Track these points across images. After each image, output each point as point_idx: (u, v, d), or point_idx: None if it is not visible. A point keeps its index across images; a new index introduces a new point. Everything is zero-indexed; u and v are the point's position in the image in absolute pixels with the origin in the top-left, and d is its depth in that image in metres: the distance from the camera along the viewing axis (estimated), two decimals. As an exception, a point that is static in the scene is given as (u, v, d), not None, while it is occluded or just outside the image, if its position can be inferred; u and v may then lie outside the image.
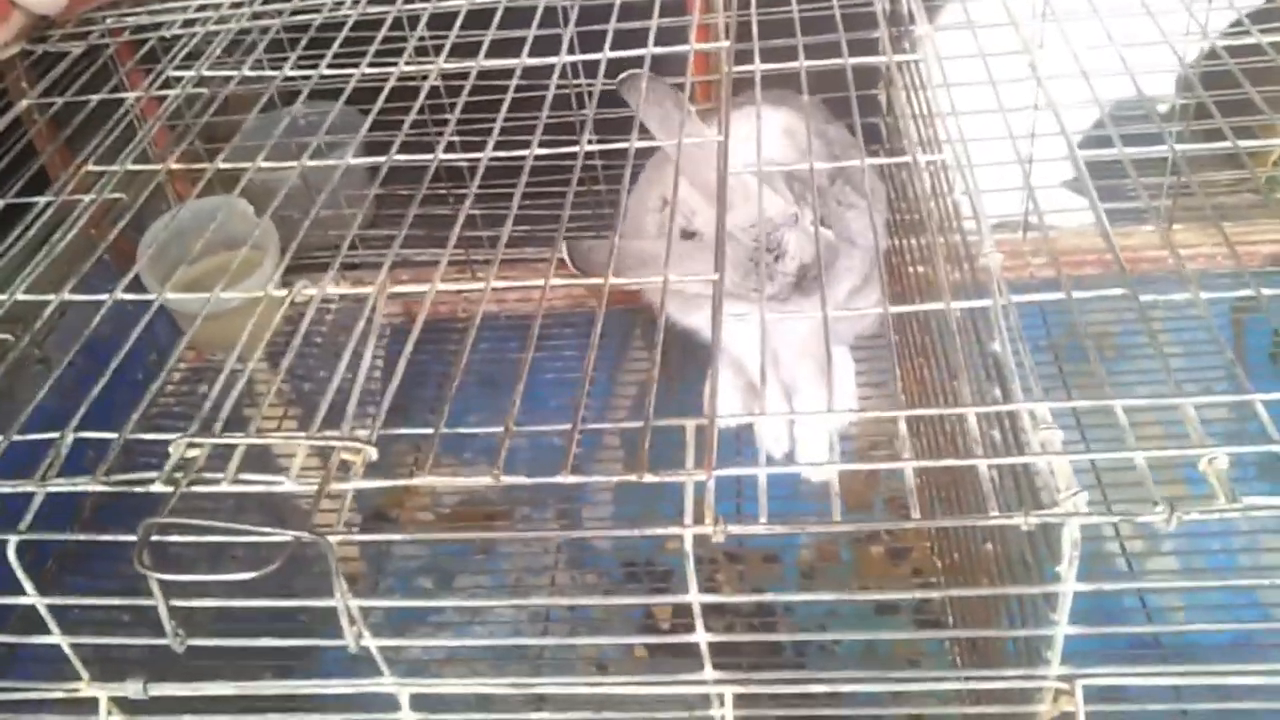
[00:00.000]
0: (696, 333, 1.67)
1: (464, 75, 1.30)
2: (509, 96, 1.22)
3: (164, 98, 1.40)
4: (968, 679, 0.82)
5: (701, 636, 0.77)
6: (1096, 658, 1.09)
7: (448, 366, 2.11)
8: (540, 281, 0.95)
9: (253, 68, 1.42)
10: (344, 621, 0.77)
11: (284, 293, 0.96)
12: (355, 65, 1.33)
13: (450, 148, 1.19)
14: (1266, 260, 1.79)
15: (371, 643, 0.79)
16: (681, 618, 1.95)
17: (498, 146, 1.16)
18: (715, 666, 0.78)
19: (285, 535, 0.73)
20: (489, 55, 1.33)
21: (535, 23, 1.35)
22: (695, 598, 0.75)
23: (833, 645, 1.91)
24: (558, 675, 1.66)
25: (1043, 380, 1.83)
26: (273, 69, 1.42)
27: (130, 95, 1.39)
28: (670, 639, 0.81)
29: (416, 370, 2.15)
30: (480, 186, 1.10)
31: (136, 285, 1.67)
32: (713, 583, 2.01)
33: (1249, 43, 1.30)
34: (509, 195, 1.08)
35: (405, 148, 1.18)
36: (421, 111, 1.26)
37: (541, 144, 1.15)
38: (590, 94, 1.34)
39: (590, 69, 1.33)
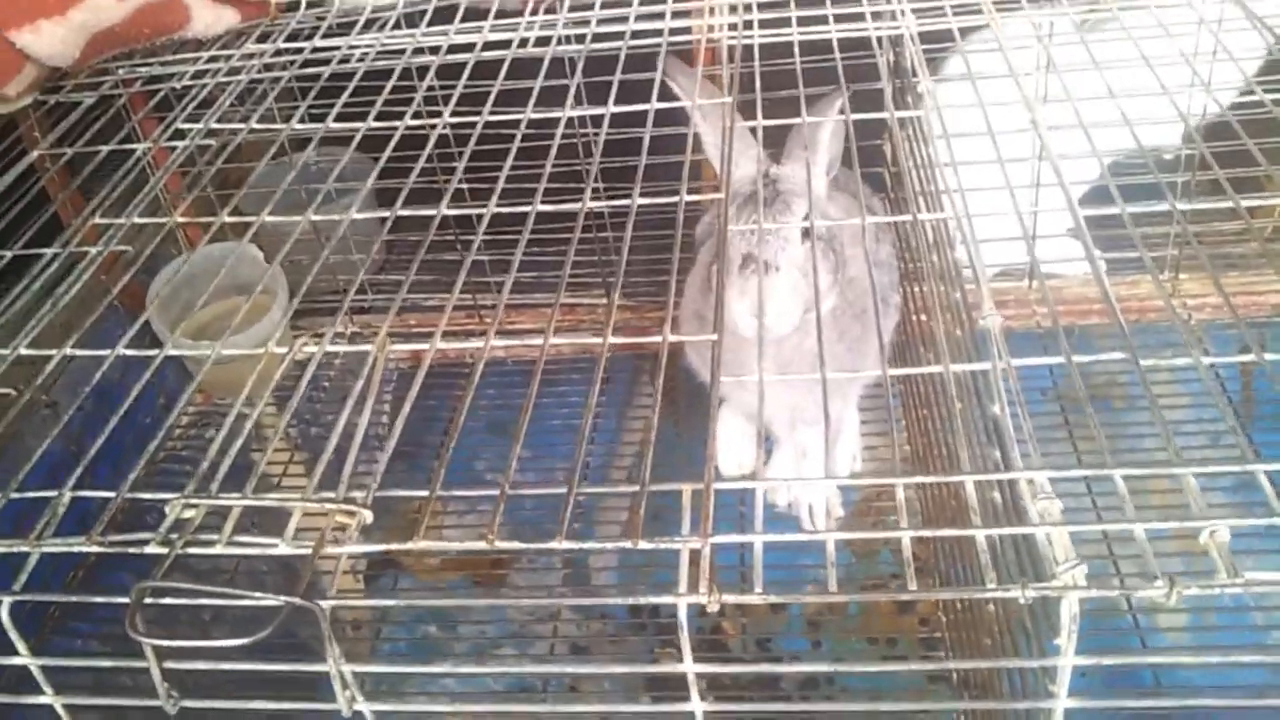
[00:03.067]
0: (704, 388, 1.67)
1: (472, 125, 1.31)
2: (515, 147, 1.23)
3: (175, 147, 1.41)
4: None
5: (697, 706, 0.76)
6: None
7: (455, 412, 2.11)
8: (539, 339, 0.94)
9: (264, 118, 1.43)
10: (336, 687, 0.76)
11: (284, 350, 0.96)
12: (365, 115, 1.35)
13: (459, 195, 1.20)
14: (1274, 310, 1.78)
15: (365, 707, 0.78)
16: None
17: (505, 195, 1.16)
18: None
19: (277, 600, 0.73)
20: (499, 106, 1.34)
21: (541, 74, 1.36)
22: (690, 668, 0.74)
23: (838, 694, 1.89)
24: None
25: (1049, 431, 1.82)
26: (284, 118, 1.43)
27: (140, 146, 1.40)
28: (665, 708, 0.80)
29: (425, 415, 2.16)
30: (489, 232, 1.11)
31: (144, 332, 1.68)
32: (718, 632, 2.00)
33: (1256, 98, 1.30)
34: (517, 242, 1.10)
35: (415, 195, 1.18)
36: (430, 160, 1.28)
37: (548, 193, 1.15)
38: (596, 144, 1.35)
39: (596, 119, 1.33)
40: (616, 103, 1.32)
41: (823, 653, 1.94)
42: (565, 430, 2.10)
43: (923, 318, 1.38)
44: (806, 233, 1.31)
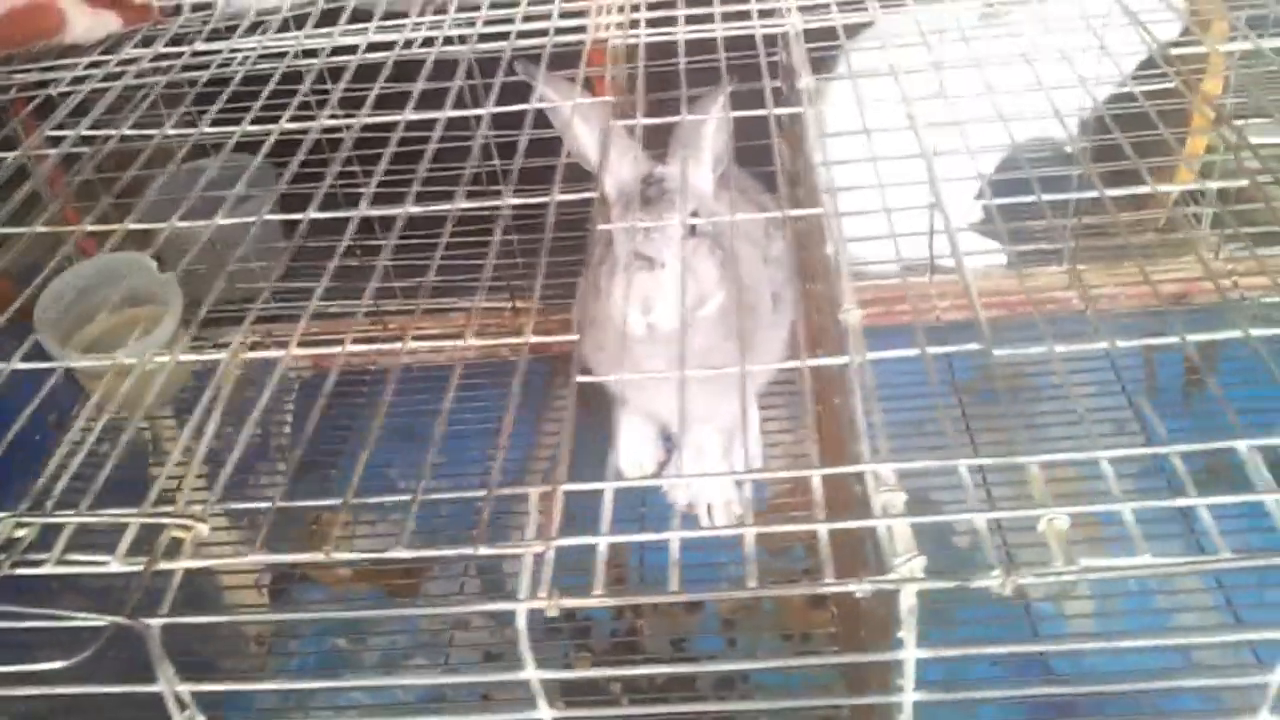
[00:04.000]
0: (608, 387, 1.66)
1: (379, 128, 1.29)
2: (390, 151, 1.21)
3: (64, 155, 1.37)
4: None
5: (545, 713, 0.75)
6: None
7: (355, 420, 2.08)
8: (398, 345, 0.93)
9: (150, 124, 1.39)
10: (171, 707, 0.74)
11: (133, 361, 0.93)
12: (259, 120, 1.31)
13: (356, 200, 1.18)
14: (1169, 299, 1.81)
15: (205, 728, 0.75)
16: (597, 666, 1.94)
17: (396, 200, 1.14)
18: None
19: (101, 620, 0.70)
20: (389, 108, 1.32)
21: (423, 76, 1.35)
22: (533, 674, 0.73)
23: (753, 691, 1.90)
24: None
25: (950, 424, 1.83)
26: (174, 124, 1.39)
27: (10, 155, 1.36)
28: (511, 715, 0.78)
29: (329, 423, 2.12)
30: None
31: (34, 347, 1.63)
32: (634, 634, 1.99)
33: (1148, 89, 1.33)
34: (426, 247, 1.09)
35: (300, 200, 1.16)
36: (319, 165, 1.25)
37: (446, 197, 1.13)
38: (489, 146, 1.34)
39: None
40: (506, 105, 1.30)
41: (737, 651, 1.94)
42: (478, 435, 2.08)
43: (816, 316, 1.38)
44: (693, 230, 1.30)
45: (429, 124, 1.27)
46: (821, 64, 1.48)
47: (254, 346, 1.98)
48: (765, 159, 1.71)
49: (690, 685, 1.85)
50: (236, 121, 1.32)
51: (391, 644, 1.92)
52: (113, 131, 1.32)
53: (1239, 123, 1.72)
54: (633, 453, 1.81)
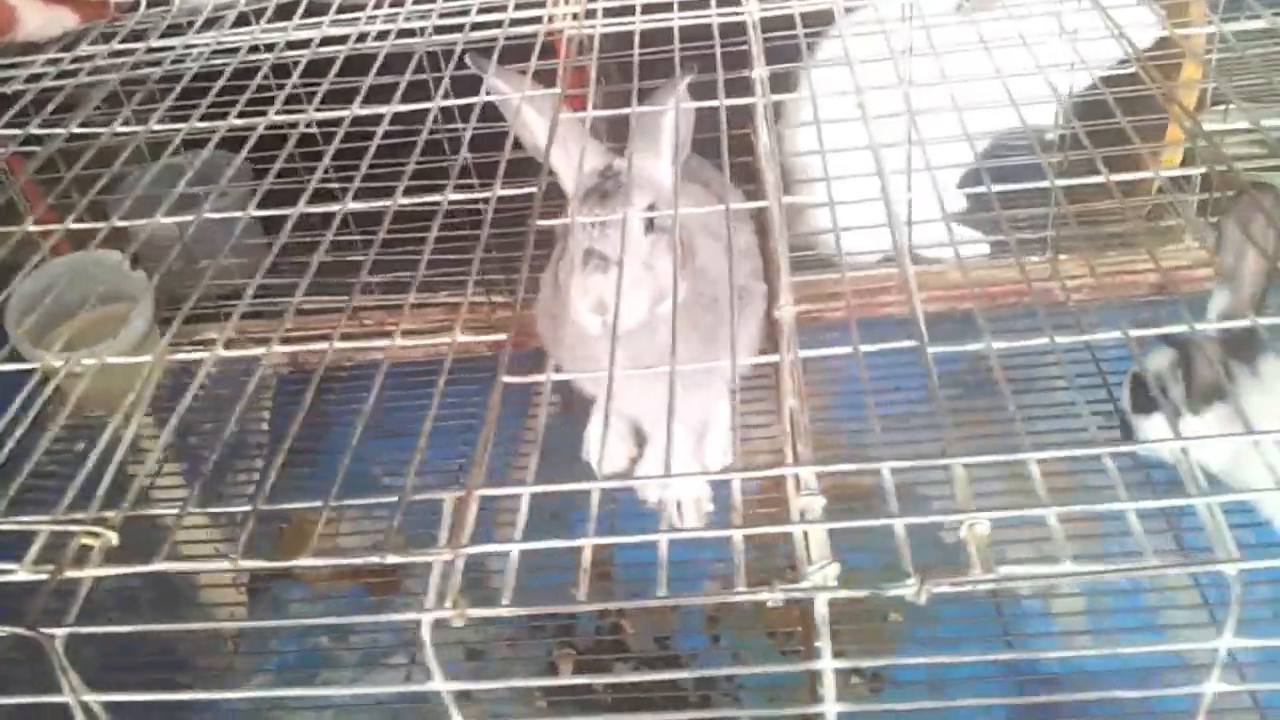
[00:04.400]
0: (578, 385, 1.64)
1: (337, 123, 1.27)
2: (334, 147, 1.20)
3: (28, 154, 1.37)
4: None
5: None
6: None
7: (331, 416, 2.07)
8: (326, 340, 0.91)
9: (99, 122, 1.38)
10: (79, 717, 0.73)
11: (60, 363, 0.92)
12: (214, 115, 1.30)
13: (326, 195, 1.16)
14: (1151, 289, 1.77)
15: (114, 739, 0.74)
16: (581, 671, 1.92)
17: (362, 194, 1.13)
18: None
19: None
20: (349, 103, 1.30)
21: (373, 71, 1.33)
22: (443, 685, 0.71)
23: (737, 691, 1.88)
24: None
25: (926, 418, 1.80)
26: (139, 120, 1.38)
27: (-35, 155, 1.35)
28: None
29: (306, 421, 2.11)
30: (364, 232, 1.07)
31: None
32: (618, 632, 1.98)
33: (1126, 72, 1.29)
34: (400, 241, 1.09)
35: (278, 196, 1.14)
36: (293, 159, 1.25)
37: (410, 190, 1.12)
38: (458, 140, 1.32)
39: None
40: (463, 97, 1.28)
41: (721, 648, 1.93)
42: (462, 430, 2.08)
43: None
44: (651, 224, 1.28)
45: (395, 117, 1.26)
46: (797, 53, 1.45)
47: (229, 344, 1.97)
48: (738, 150, 1.69)
49: (673, 683, 1.83)
50: (204, 118, 1.31)
51: (373, 642, 1.92)
52: (60, 130, 1.31)
53: (1219, 108, 1.69)
54: (613, 449, 1.79)
